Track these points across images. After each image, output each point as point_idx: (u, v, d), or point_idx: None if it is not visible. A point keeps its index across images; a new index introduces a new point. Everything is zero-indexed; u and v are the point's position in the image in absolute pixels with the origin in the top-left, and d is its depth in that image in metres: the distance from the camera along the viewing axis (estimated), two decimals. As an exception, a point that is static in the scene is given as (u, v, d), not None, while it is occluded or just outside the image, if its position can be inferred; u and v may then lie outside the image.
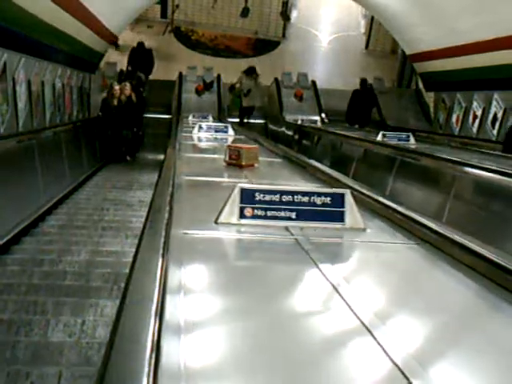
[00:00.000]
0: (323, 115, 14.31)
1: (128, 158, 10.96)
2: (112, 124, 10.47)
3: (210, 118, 11.17)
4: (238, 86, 13.36)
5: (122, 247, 4.97)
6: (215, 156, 4.76)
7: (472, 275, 1.84)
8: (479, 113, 10.34)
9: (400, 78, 17.05)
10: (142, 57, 13.35)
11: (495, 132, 9.73)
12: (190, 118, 11.15)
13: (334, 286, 1.72)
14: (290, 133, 12.67)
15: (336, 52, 19.18)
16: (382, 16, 13.30)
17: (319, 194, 2.22)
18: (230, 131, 7.72)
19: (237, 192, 2.21)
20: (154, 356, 1.04)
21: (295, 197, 2.20)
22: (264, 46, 18.95)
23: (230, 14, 18.48)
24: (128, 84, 10.84)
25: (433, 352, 1.37)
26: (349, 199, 2.22)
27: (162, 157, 6.82)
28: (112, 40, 12.67)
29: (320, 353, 1.34)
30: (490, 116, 9.94)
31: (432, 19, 10.77)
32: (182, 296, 1.51)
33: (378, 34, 18.26)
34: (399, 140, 8.08)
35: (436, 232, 2.07)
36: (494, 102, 9.84)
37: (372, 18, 17.26)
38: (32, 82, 7.14)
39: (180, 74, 14.58)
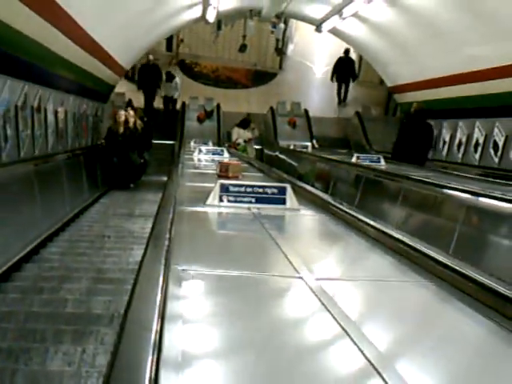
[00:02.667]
0: (314, 141, 15.64)
1: (131, 185, 11.18)
2: (118, 151, 10.61)
3: (210, 144, 12.46)
4: (238, 141, 13.81)
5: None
6: (210, 171, 6.07)
7: (359, 234, 3.10)
8: (447, 139, 11.67)
9: (386, 106, 18.42)
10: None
11: (460, 155, 11.05)
12: (192, 143, 12.40)
13: (275, 240, 2.97)
14: (282, 156, 13.98)
15: (329, 83, 20.54)
16: (366, 53, 14.76)
17: (270, 187, 3.52)
18: (226, 154, 9.05)
19: (218, 186, 3.51)
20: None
21: (254, 189, 3.50)
22: (262, 77, 20.31)
23: (231, 47, 19.92)
24: (131, 111, 11.23)
25: (332, 271, 2.64)
26: (289, 190, 3.52)
27: (165, 179, 8.11)
28: (121, 73, 14.06)
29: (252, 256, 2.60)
30: (456, 141, 11.26)
31: (407, 57, 12.19)
32: (184, 231, 2.78)
33: (367, 67, 19.65)
34: (371, 161, 9.31)
35: (340, 209, 3.37)
36: (459, 130, 11.17)
37: (361, 52, 18.67)
38: (58, 112, 8.50)
39: (183, 104, 15.98)
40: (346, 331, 1.60)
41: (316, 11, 12.80)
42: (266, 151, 15.94)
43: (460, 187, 4.79)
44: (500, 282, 1.68)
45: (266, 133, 16.17)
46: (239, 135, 14.17)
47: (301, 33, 20.81)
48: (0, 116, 5.75)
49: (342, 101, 18.36)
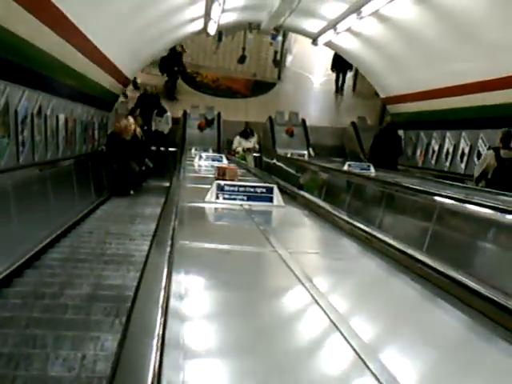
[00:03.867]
0: (311, 150, 16.22)
1: (132, 192, 11.11)
2: (118, 158, 10.58)
3: (210, 151, 13.02)
4: (238, 149, 14.17)
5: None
6: (209, 175, 6.64)
7: (332, 225, 3.67)
8: (436, 148, 12.27)
9: (381, 117, 18.99)
10: None
11: (448, 164, 11.63)
12: (193, 150, 12.97)
13: (260, 228, 3.54)
14: (280, 164, 14.56)
15: (326, 93, 21.12)
16: (360, 65, 15.39)
17: (259, 187, 4.09)
18: (224, 160, 9.62)
19: (215, 185, 4.08)
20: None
21: (246, 188, 4.07)
22: (261, 87, 20.84)
23: (231, 58, 20.54)
24: (131, 119, 11.14)
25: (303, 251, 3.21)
26: (275, 190, 4.10)
27: (168, 184, 8.64)
28: (126, 83, 14.66)
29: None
30: (444, 151, 11.86)
31: (398, 70, 12.81)
32: (185, 221, 3.35)
33: (363, 78, 20.27)
34: (361, 169, 9.89)
35: (319, 206, 3.94)
36: (447, 140, 11.77)
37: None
38: (68, 120, 9.09)
39: (184, 112, 16.55)
40: (306, 287, 2.16)
41: (312, 25, 13.42)
42: (264, 158, 16.51)
43: (422, 189, 5.38)
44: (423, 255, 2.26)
45: (265, 141, 16.74)
46: (240, 144, 14.58)
47: (299, 44, 21.38)
48: (19, 123, 6.33)
49: (339, 90, 20.18)
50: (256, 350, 1.48)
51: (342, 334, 1.57)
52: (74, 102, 9.44)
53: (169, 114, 15.33)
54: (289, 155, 14.86)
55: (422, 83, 11.88)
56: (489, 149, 8.50)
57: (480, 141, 10.56)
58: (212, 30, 13.19)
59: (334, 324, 1.64)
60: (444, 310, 1.96)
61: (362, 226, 2.83)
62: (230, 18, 13.30)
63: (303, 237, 3.26)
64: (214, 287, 2.02)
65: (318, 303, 1.84)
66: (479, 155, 10.60)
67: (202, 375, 1.30)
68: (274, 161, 15.19)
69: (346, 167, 9.91)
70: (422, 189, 5.81)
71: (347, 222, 3.11)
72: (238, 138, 14.36)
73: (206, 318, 1.69)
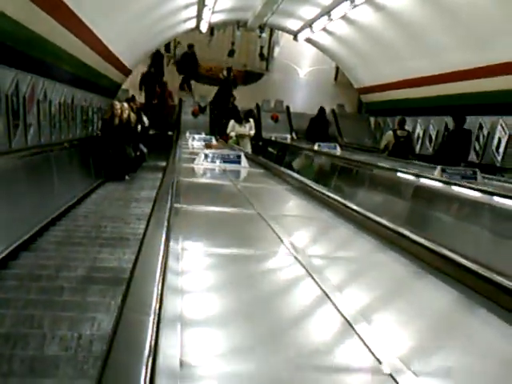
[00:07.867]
0: (294, 134, 18.04)
1: (127, 177, 11.18)
2: (113, 143, 10.63)
3: (203, 134, 14.78)
4: (231, 134, 14.12)
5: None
6: (199, 151, 8.52)
7: (277, 176, 5.58)
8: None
9: (359, 105, 20.84)
10: None
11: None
12: (187, 134, 14.73)
13: (229, 178, 5.40)
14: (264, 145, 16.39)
15: (311, 83, 22.85)
16: (336, 59, 17.26)
17: (232, 154, 5.99)
18: (213, 141, 11.48)
19: (202, 153, 5.99)
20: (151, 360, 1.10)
21: (223, 155, 5.97)
22: (251, 76, 22.63)
23: (223, 50, 22.29)
24: (126, 104, 11.21)
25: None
26: (243, 156, 6.00)
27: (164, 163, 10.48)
28: (127, 73, 16.41)
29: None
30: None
31: (365, 64, 14.69)
32: (181, 171, 5.23)
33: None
34: (329, 148, 11.75)
35: (272, 167, 5.84)
36: (406, 126, 13.64)
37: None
38: (83, 108, 10.93)
39: (180, 100, 18.37)
40: (246, 197, 4.03)
41: (292, 24, 15.25)
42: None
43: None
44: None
45: (252, 126, 18.52)
46: (234, 129, 15.75)
47: (286, 37, 23.10)
48: (52, 109, 8.19)
49: None
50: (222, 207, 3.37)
51: (266, 222, 3.45)
52: (87, 92, 11.25)
53: (145, 118, 14.33)
54: (273, 138, 16.62)
55: (385, 77, 13.76)
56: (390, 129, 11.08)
57: (431, 126, 12.46)
58: (204, 28, 15.00)
59: (254, 207, 3.53)
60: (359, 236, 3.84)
61: (292, 174, 4.74)
62: (219, 17, 15.10)
63: (253, 180, 5.18)
64: (196, 191, 3.94)
65: (249, 201, 3.72)
66: (430, 138, 12.52)
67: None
68: (260, 143, 16.99)
69: (316, 147, 11.75)
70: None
71: (285, 173, 5.01)
72: (232, 122, 14.24)
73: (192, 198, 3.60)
